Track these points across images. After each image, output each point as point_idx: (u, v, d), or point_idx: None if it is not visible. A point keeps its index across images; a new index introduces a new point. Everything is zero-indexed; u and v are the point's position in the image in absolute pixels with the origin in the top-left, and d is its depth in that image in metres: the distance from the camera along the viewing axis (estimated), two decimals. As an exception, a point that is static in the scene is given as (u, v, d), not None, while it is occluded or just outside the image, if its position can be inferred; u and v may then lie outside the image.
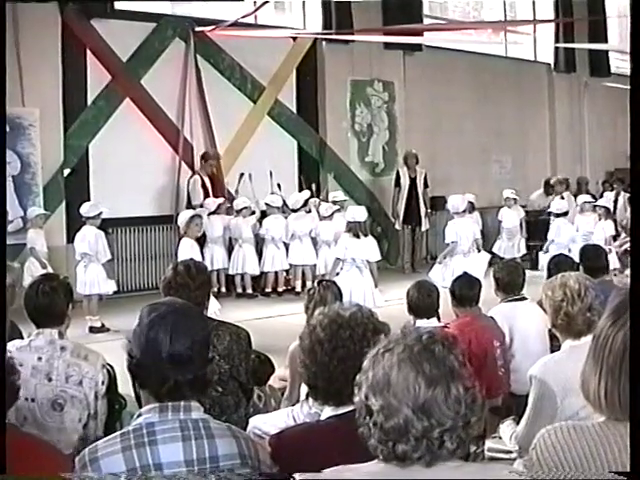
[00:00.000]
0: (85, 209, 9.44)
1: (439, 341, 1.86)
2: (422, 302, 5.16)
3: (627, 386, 1.96)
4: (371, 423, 1.83)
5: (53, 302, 3.69)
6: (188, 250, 9.34)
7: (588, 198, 13.03)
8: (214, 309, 8.19)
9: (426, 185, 13.86)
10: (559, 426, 2.07)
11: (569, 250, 10.64)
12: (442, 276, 9.69)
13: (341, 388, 2.42)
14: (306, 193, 12.22)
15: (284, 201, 11.93)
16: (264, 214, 11.80)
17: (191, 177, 11.77)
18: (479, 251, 10.39)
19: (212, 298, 8.65)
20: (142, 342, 2.35)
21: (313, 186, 12.81)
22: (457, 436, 1.81)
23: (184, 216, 10.12)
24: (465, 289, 5.45)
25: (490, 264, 9.85)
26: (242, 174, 12.15)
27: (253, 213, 11.75)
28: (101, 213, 9.43)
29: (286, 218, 11.80)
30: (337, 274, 8.95)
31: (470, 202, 12.05)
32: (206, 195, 11.64)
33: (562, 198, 13.75)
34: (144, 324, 2.37)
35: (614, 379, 1.98)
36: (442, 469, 1.81)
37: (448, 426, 1.79)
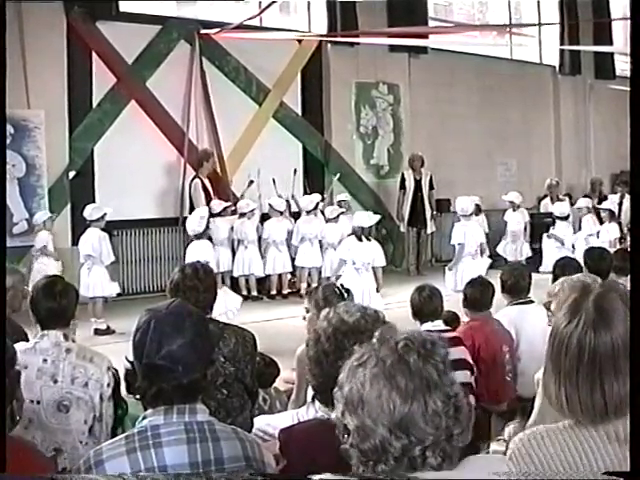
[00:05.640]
0: (88, 212, 9.41)
1: (415, 350, 1.71)
2: (424, 306, 5.16)
3: (586, 390, 1.85)
4: (348, 444, 1.73)
5: (58, 304, 3.69)
6: (204, 252, 9.17)
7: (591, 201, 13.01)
8: (235, 304, 8.21)
9: (432, 187, 13.85)
10: (531, 432, 1.97)
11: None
12: (454, 282, 9.67)
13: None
14: (317, 196, 12.21)
15: (289, 205, 11.92)
16: (265, 216, 11.79)
17: (192, 181, 11.74)
18: (482, 255, 10.39)
19: (233, 293, 8.74)
20: (132, 347, 2.38)
21: (326, 190, 12.82)
22: (441, 450, 1.68)
23: (198, 219, 9.88)
24: (477, 292, 5.47)
25: (492, 267, 9.87)
26: (252, 181, 12.04)
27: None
28: (105, 215, 9.40)
29: (290, 221, 11.80)
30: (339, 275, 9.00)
31: (477, 204, 12.08)
32: (207, 197, 11.52)
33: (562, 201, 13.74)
34: (134, 329, 2.38)
35: (572, 384, 1.86)
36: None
37: (429, 442, 1.67)
